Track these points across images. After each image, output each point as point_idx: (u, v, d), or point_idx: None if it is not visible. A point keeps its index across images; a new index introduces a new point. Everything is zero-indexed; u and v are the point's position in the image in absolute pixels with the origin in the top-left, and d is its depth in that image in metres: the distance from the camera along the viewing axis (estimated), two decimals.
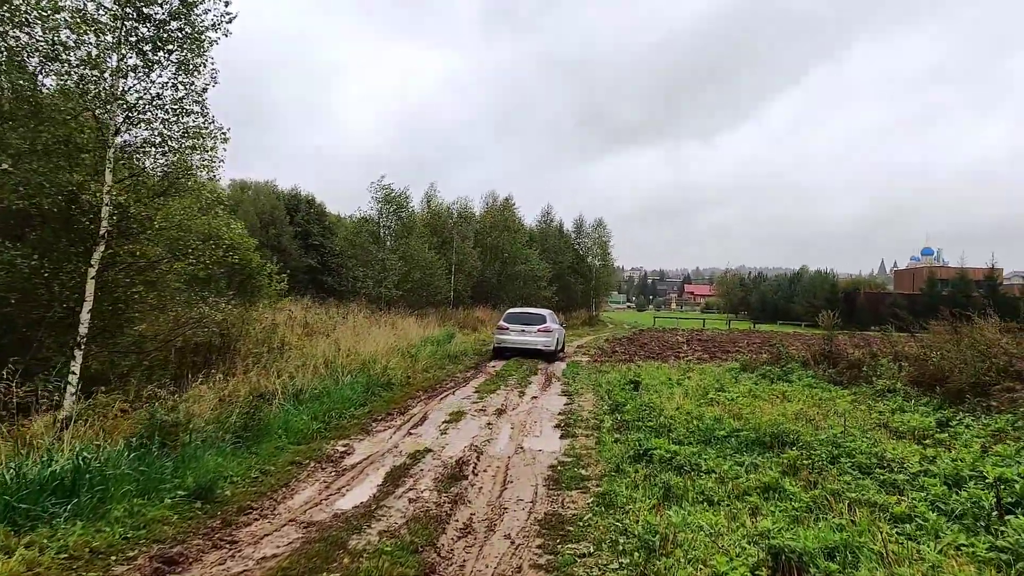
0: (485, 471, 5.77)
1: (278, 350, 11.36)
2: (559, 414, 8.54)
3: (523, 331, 15.23)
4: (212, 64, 8.39)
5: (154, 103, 8.19)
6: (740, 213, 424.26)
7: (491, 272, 33.00)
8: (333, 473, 5.71)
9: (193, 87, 8.01)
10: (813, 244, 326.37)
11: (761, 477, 4.93)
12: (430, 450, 6.44)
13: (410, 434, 7.25)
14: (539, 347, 15.02)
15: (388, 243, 23.94)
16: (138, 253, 7.94)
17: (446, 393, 10.10)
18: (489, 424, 7.79)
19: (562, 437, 7.17)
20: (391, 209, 25.59)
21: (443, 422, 7.86)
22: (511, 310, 17.01)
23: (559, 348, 16.52)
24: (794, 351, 13.39)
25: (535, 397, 9.93)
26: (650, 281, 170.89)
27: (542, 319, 15.90)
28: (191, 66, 8.37)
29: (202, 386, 6.88)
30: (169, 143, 8.28)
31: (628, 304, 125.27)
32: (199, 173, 7.97)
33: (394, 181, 27.11)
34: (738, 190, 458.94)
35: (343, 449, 6.52)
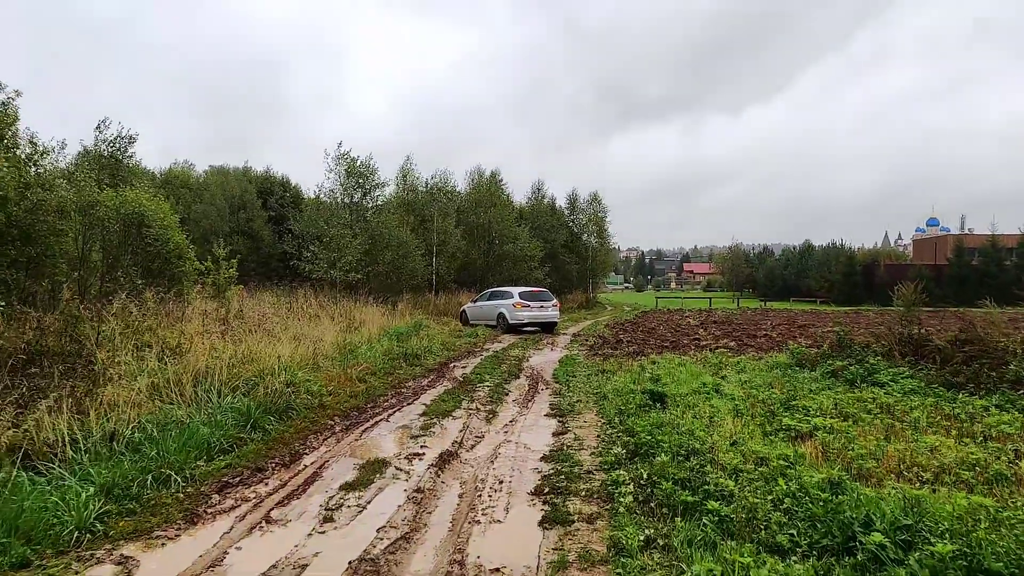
0: None
1: (153, 357, 8.00)
2: (543, 459, 5.23)
3: (541, 307, 17.67)
4: None
5: None
6: (744, 189, 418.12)
7: (477, 253, 29.62)
8: None
9: None
10: (814, 219, 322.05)
11: None
12: None
13: (266, 523, 3.93)
14: (553, 320, 18.04)
15: (346, 219, 20.40)
16: None
17: (378, 417, 6.79)
18: (417, 492, 4.45)
19: (544, 524, 3.86)
20: (354, 182, 22.12)
21: (340, 488, 4.54)
22: (522, 289, 18.60)
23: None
24: (861, 338, 10.11)
25: (511, 422, 6.63)
26: (648, 261, 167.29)
27: (550, 296, 18.48)
28: None
29: None
30: None
31: (626, 285, 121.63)
32: None
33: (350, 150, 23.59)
34: (748, 166, 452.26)
35: None
